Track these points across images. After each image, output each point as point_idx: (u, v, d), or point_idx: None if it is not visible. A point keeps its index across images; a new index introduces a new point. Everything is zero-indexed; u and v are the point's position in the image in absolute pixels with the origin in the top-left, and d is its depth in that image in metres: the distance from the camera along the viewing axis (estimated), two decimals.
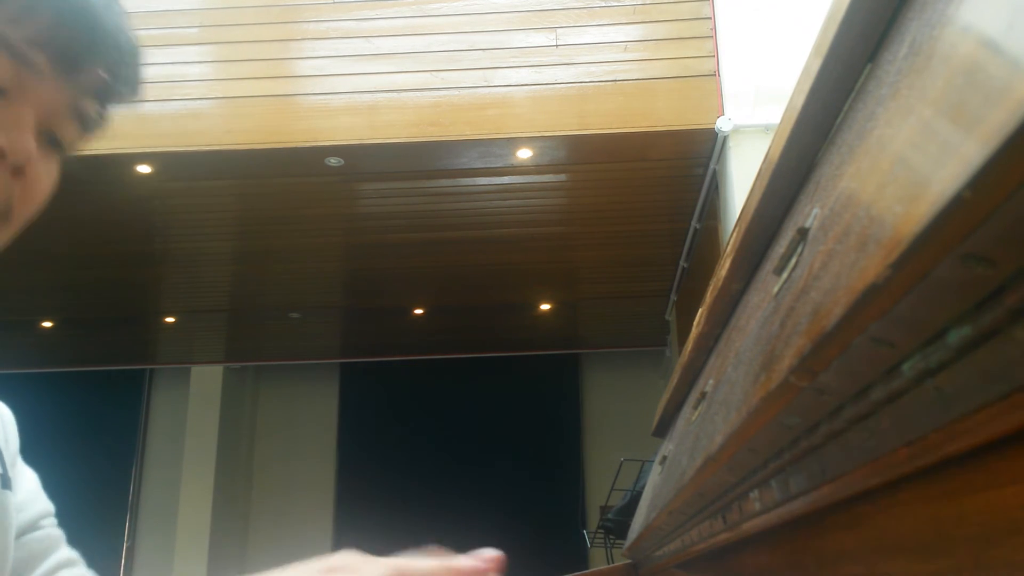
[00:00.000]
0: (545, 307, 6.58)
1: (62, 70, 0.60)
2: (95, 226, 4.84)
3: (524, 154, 4.13)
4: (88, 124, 0.64)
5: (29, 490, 0.75)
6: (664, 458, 0.96)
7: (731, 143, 3.87)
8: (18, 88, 0.58)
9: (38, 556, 0.74)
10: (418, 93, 4.05)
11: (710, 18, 4.05)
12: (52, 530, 0.76)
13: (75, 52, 0.59)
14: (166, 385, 8.22)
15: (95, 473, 7.79)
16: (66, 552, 0.77)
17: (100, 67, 0.62)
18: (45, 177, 0.63)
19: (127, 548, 7.72)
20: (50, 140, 0.62)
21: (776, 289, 0.42)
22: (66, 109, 0.62)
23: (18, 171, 0.59)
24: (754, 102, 3.84)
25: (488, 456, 7.77)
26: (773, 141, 0.50)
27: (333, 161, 4.12)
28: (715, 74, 3.94)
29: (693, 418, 0.70)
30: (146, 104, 3.99)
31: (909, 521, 0.34)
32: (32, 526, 0.74)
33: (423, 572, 0.58)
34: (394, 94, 4.04)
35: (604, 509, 4.87)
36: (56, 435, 7.87)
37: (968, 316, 0.22)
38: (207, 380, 7.67)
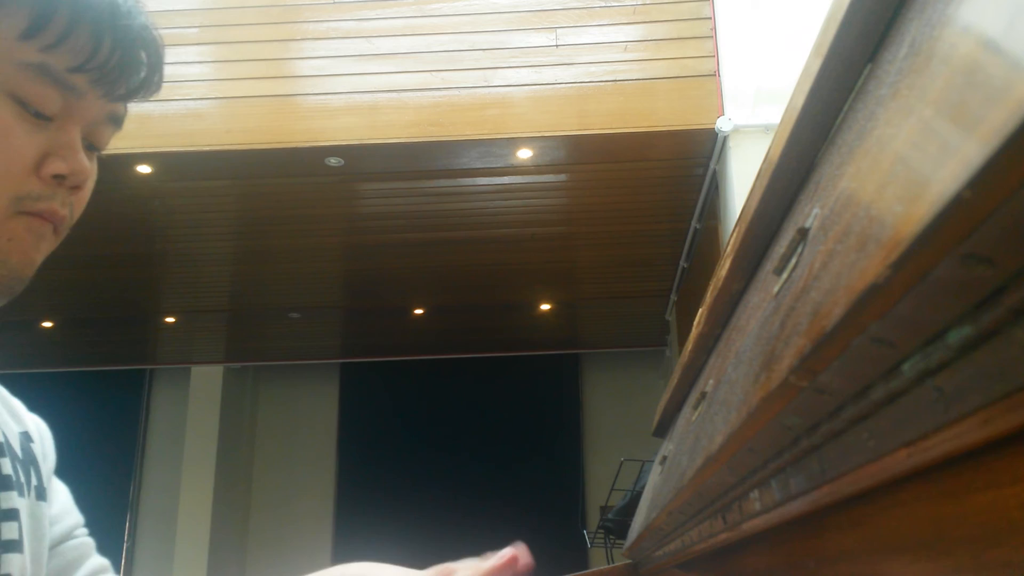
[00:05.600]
0: (545, 307, 6.58)
1: (101, 89, 0.62)
2: (95, 226, 4.84)
3: (524, 154, 4.13)
4: (120, 124, 0.68)
5: (63, 503, 0.78)
6: (664, 458, 0.96)
7: (731, 143, 3.87)
8: (65, 111, 0.61)
9: (73, 563, 0.76)
10: (418, 93, 4.05)
11: (710, 18, 4.05)
12: (85, 539, 0.79)
13: (112, 70, 0.62)
14: (166, 385, 8.22)
15: (95, 473, 7.78)
16: (98, 559, 0.79)
17: (134, 76, 0.65)
18: (90, 183, 0.67)
19: (127, 548, 7.72)
20: (89, 147, 0.66)
21: (776, 289, 0.42)
22: (104, 118, 0.65)
23: (76, 189, 0.63)
24: (754, 102, 3.84)
25: (488, 456, 7.77)
26: (773, 141, 0.50)
27: (333, 161, 4.12)
28: (715, 74, 3.94)
29: (693, 418, 0.70)
30: (146, 104, 3.97)
31: (909, 521, 0.34)
32: (66, 536, 0.77)
33: None
34: (394, 94, 4.04)
35: (604, 509, 4.87)
36: (56, 435, 7.85)
37: (968, 316, 0.22)
38: (207, 380, 7.67)
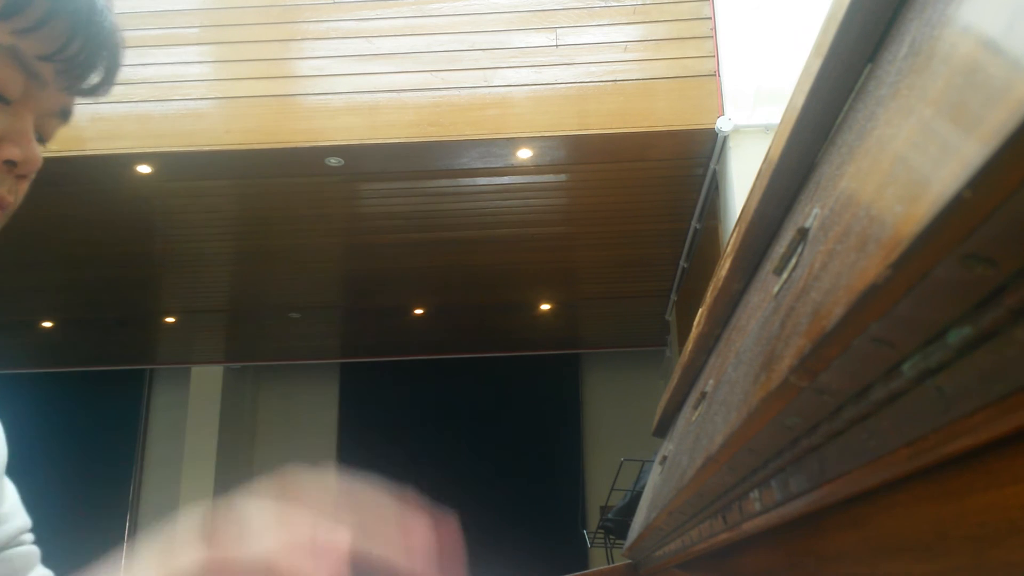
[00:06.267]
0: (545, 307, 6.58)
1: (64, 81, 0.62)
2: (95, 226, 4.84)
3: (524, 154, 4.13)
4: (68, 118, 0.66)
5: (12, 503, 0.75)
6: (664, 458, 0.96)
7: (731, 143, 3.86)
8: (24, 98, 0.60)
9: (17, 572, 0.73)
10: (418, 93, 4.04)
11: (710, 18, 4.05)
12: (31, 547, 0.76)
13: (78, 65, 0.62)
14: (166, 385, 8.22)
15: (95, 473, 7.78)
16: (41, 571, 0.77)
17: (97, 74, 0.64)
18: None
19: (127, 548, 7.72)
20: (37, 137, 0.65)
21: (776, 289, 0.42)
22: (56, 110, 0.64)
23: (24, 177, 0.62)
24: (754, 102, 3.84)
25: (488, 456, 7.77)
26: (773, 141, 0.50)
27: (333, 161, 4.12)
28: (715, 74, 3.94)
29: (693, 418, 0.70)
30: (146, 104, 3.99)
31: (909, 521, 0.34)
32: (12, 541, 0.73)
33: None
34: (394, 94, 4.04)
35: (604, 509, 4.87)
36: (56, 435, 7.87)
37: (968, 316, 0.22)
38: (207, 380, 7.67)
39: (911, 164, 0.25)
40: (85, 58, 0.62)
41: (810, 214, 0.40)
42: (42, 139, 0.65)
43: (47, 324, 6.69)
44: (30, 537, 0.76)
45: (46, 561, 0.76)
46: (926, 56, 0.27)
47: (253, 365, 8.10)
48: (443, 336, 7.19)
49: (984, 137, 0.19)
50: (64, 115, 0.65)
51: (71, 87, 0.63)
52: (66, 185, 4.21)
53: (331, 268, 5.77)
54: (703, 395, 0.66)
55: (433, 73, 4.06)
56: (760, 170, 0.53)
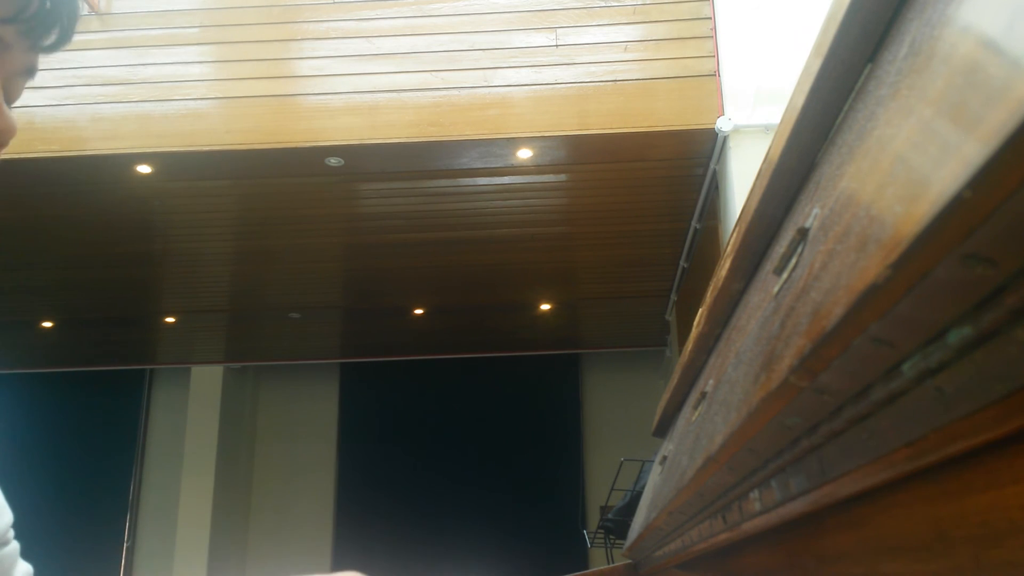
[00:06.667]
0: (545, 307, 6.58)
1: (28, 41, 0.60)
2: (95, 226, 4.84)
3: (524, 154, 4.13)
4: (34, 75, 0.65)
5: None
6: (664, 458, 0.96)
7: (731, 143, 3.86)
8: None
9: (7, 571, 0.73)
10: (418, 93, 4.04)
11: (710, 18, 4.05)
12: (15, 543, 0.75)
13: (42, 22, 0.60)
14: (166, 385, 8.22)
15: (95, 473, 7.79)
16: (24, 565, 0.76)
17: (57, 30, 0.62)
18: None
19: (127, 548, 7.72)
20: (5, 98, 0.63)
21: (776, 289, 0.42)
22: (22, 70, 0.63)
23: None
24: (754, 102, 3.84)
25: (488, 455, 7.77)
26: (773, 141, 0.50)
27: (333, 161, 4.12)
28: (715, 74, 3.94)
29: (693, 418, 0.70)
30: (146, 104, 3.99)
31: (909, 521, 0.34)
32: (2, 538, 0.72)
33: None
34: (394, 94, 4.04)
35: (604, 509, 4.87)
36: (56, 435, 7.87)
37: (968, 316, 0.22)
38: (207, 380, 7.67)
39: (911, 164, 0.25)
40: (46, 16, 0.60)
41: (810, 214, 0.40)
42: (8, 101, 0.64)
43: (47, 324, 6.69)
44: (12, 533, 0.75)
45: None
46: (926, 56, 0.27)
47: (253, 365, 8.10)
48: (443, 336, 7.19)
49: (984, 137, 0.19)
50: (31, 72, 0.64)
51: (37, 45, 0.62)
52: (66, 185, 4.21)
53: (331, 268, 5.77)
54: (703, 395, 0.66)
55: (433, 73, 4.06)
56: (760, 170, 0.53)
